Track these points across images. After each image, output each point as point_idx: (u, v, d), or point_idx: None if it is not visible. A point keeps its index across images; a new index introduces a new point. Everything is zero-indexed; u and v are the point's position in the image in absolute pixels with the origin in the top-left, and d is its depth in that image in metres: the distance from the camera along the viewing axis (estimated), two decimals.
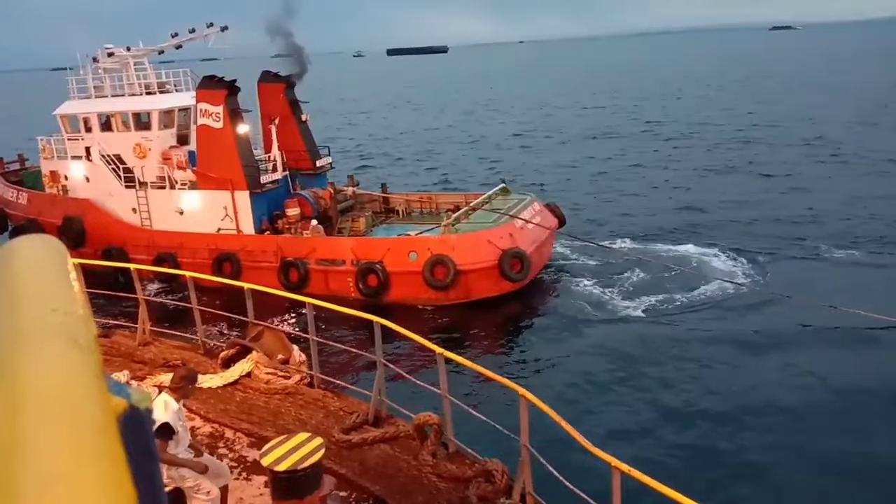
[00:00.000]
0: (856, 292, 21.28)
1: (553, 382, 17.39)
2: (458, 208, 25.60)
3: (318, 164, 28.97)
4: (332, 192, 27.20)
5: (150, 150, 27.21)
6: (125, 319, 15.00)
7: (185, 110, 27.50)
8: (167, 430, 6.95)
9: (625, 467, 6.30)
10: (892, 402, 15.88)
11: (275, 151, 27.24)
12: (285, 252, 24.08)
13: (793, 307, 20.70)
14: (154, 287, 24.75)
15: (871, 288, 22.37)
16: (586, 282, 24.24)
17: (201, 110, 25.48)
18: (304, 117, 28.97)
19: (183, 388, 7.37)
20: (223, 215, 25.82)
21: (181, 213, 26.53)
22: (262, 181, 25.93)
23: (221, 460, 8.48)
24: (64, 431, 0.86)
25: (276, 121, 27.53)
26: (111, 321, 13.86)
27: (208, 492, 7.23)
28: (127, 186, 27.28)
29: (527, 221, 24.20)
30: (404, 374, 10.00)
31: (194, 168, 26.20)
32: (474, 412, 8.52)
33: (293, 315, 22.33)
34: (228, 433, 9.60)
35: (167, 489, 6.93)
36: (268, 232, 25.69)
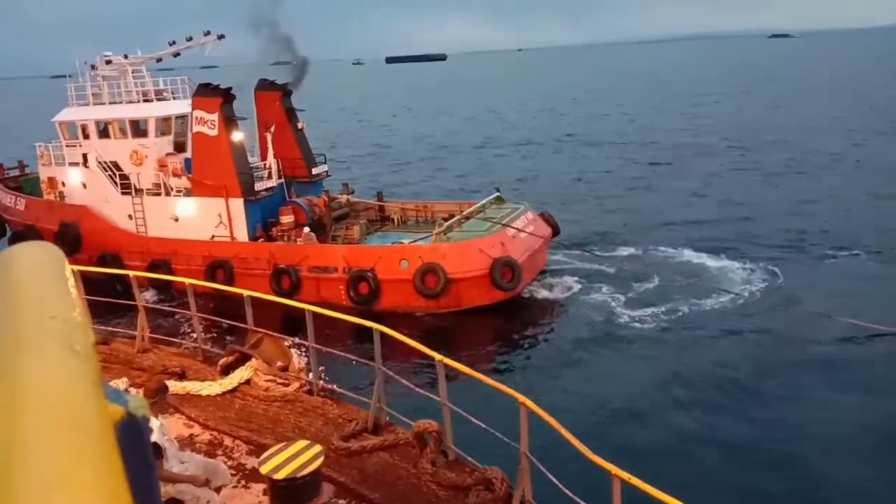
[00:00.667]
0: (861, 301, 21.25)
1: (551, 390, 17.38)
2: (453, 217, 25.66)
3: (314, 171, 29.05)
4: (326, 199, 27.24)
5: (146, 157, 27.30)
6: (124, 326, 14.97)
7: (182, 118, 27.58)
8: (157, 450, 6.74)
9: (625, 475, 6.28)
10: None
11: (270, 159, 27.32)
12: (278, 259, 24.11)
13: (792, 314, 20.74)
14: (148, 294, 24.72)
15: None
16: (581, 290, 24.26)
17: (197, 118, 25.59)
18: (300, 125, 29.05)
19: (159, 401, 7.20)
20: (217, 222, 25.91)
21: (176, 219, 26.61)
22: (256, 189, 26.00)
23: None
24: (61, 438, 0.86)
25: (273, 128, 27.61)
26: (110, 328, 13.81)
27: (208, 501, 7.18)
28: (123, 193, 27.36)
29: (519, 230, 24.18)
30: (404, 381, 9.97)
31: (190, 175, 26.26)
32: (474, 420, 8.50)
33: (291, 322, 22.28)
34: (227, 441, 9.57)
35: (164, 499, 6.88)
36: (262, 239, 25.75)
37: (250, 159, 27.17)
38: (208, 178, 25.65)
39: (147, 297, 24.25)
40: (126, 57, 28.74)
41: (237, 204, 25.62)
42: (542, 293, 24.43)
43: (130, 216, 27.28)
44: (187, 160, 26.63)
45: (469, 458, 8.58)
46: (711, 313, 21.76)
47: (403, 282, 22.43)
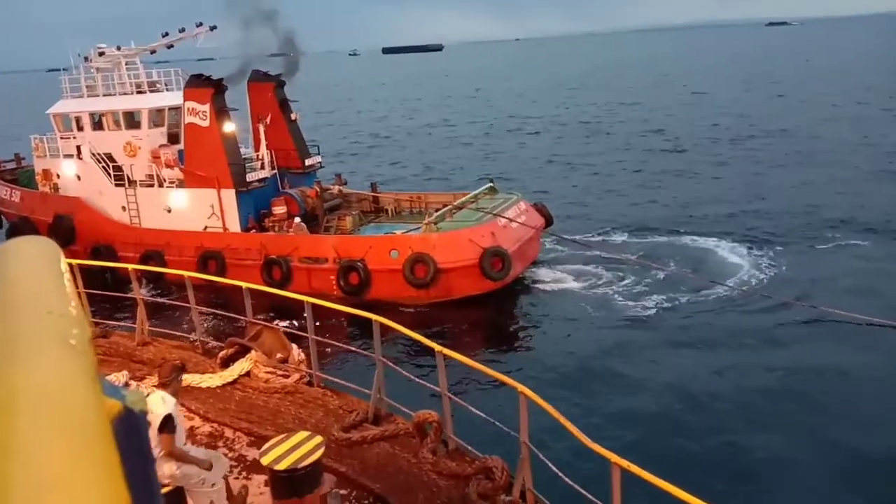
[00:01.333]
0: (858, 291, 21.25)
1: (549, 379, 17.42)
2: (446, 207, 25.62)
3: (308, 162, 28.95)
4: (318, 190, 27.20)
5: (140, 148, 27.27)
6: (121, 320, 14.96)
7: (175, 109, 27.46)
8: (171, 422, 6.91)
9: (624, 463, 6.31)
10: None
11: (263, 150, 27.28)
12: (269, 250, 24.11)
13: (789, 305, 20.73)
14: (141, 286, 24.70)
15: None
16: (574, 279, 24.25)
17: (188, 109, 25.56)
18: (293, 116, 28.96)
19: (174, 381, 7.35)
20: (210, 213, 25.90)
21: (169, 211, 26.59)
22: (248, 179, 25.99)
23: None
24: (58, 433, 0.86)
25: (267, 120, 27.55)
26: (109, 321, 13.80)
27: (213, 484, 7.22)
28: (117, 185, 27.32)
29: (510, 220, 24.15)
30: (404, 372, 9.99)
31: (183, 166, 26.23)
32: (474, 409, 8.53)
33: (283, 312, 22.26)
34: (228, 432, 9.59)
35: (166, 490, 6.90)
36: (254, 230, 25.76)
37: (244, 150, 27.12)
38: (200, 169, 25.63)
39: (140, 289, 24.26)
40: (119, 49, 28.65)
41: (229, 195, 25.60)
42: (535, 283, 24.43)
43: (124, 208, 27.27)
44: (180, 151, 26.60)
45: (469, 448, 8.62)
46: (706, 301, 21.79)
47: (393, 272, 22.41)
